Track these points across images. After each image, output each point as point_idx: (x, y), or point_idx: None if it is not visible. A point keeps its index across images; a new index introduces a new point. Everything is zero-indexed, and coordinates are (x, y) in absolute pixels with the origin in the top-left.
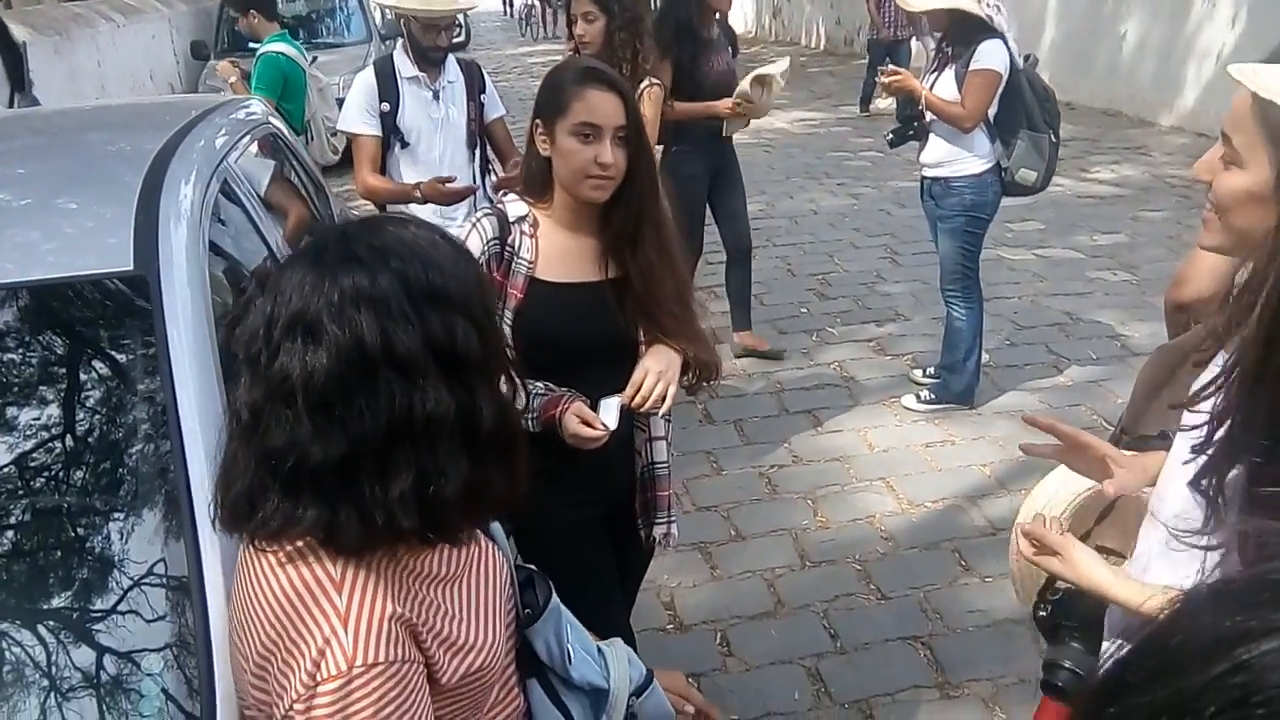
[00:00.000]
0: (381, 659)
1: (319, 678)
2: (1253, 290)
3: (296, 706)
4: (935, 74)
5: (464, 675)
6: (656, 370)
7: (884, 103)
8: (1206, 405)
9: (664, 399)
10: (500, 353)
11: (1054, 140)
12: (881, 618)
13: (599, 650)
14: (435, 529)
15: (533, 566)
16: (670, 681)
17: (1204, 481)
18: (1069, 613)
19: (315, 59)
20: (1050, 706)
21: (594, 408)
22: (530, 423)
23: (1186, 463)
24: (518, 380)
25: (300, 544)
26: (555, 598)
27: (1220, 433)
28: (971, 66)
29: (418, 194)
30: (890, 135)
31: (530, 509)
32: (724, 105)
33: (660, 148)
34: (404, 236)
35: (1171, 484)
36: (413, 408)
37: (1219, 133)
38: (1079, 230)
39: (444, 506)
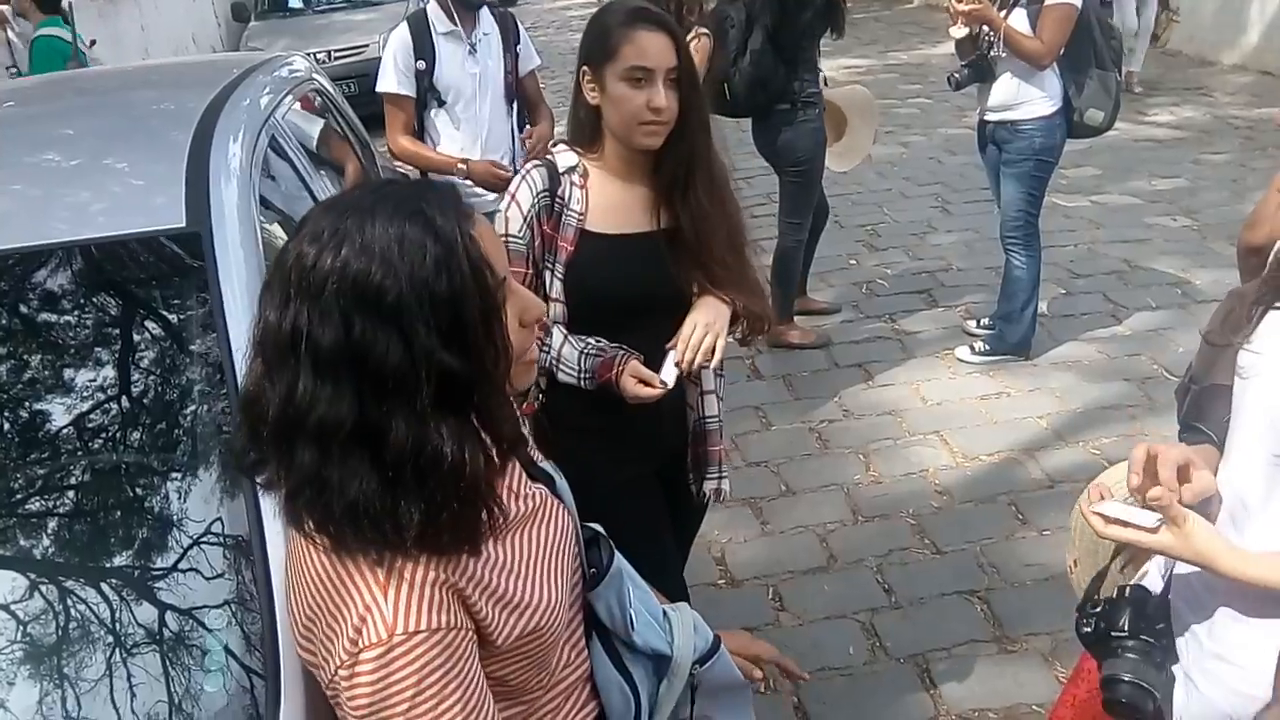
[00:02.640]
0: (424, 626)
1: (361, 644)
2: None
3: (341, 673)
4: (1006, 11)
5: (521, 634)
6: (705, 323)
7: (958, 32)
8: None
9: (713, 352)
10: (461, 382)
11: (1119, 79)
12: (937, 572)
13: (664, 614)
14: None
15: (596, 526)
16: (736, 643)
17: None
18: (1114, 622)
19: (94, 42)
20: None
21: (650, 364)
22: (584, 382)
23: None
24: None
25: None
26: (619, 560)
27: None
28: (1048, 0)
29: (462, 168)
30: (958, 75)
31: (585, 467)
32: None
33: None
34: (388, 230)
35: (1250, 424)
36: (313, 406)
37: None
38: (1137, 175)
39: (335, 520)
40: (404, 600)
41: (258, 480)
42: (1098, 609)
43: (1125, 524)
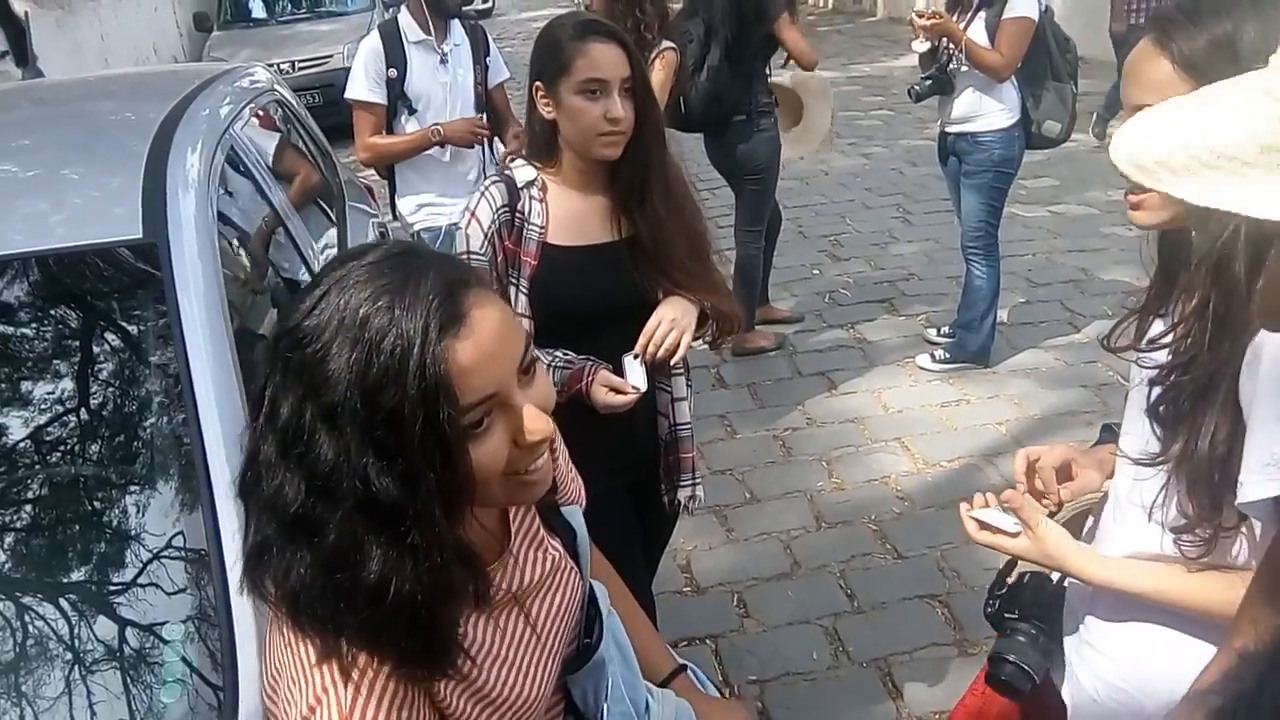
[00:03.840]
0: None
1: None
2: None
3: None
4: (966, 25)
5: None
6: (670, 318)
7: (920, 46)
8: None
9: (677, 347)
10: (386, 508)
11: (1075, 91)
12: (898, 577)
13: (646, 706)
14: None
15: (597, 589)
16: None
17: (1161, 409)
18: (1011, 605)
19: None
20: (990, 696)
21: (616, 370)
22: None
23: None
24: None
25: None
26: (605, 645)
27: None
28: (1006, 14)
29: (438, 132)
30: (918, 87)
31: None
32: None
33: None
34: (357, 310)
35: (1132, 421)
36: (270, 476)
37: (1132, 108)
38: (1094, 185)
39: (278, 601)
40: (365, 689)
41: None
42: (1002, 591)
43: (992, 529)
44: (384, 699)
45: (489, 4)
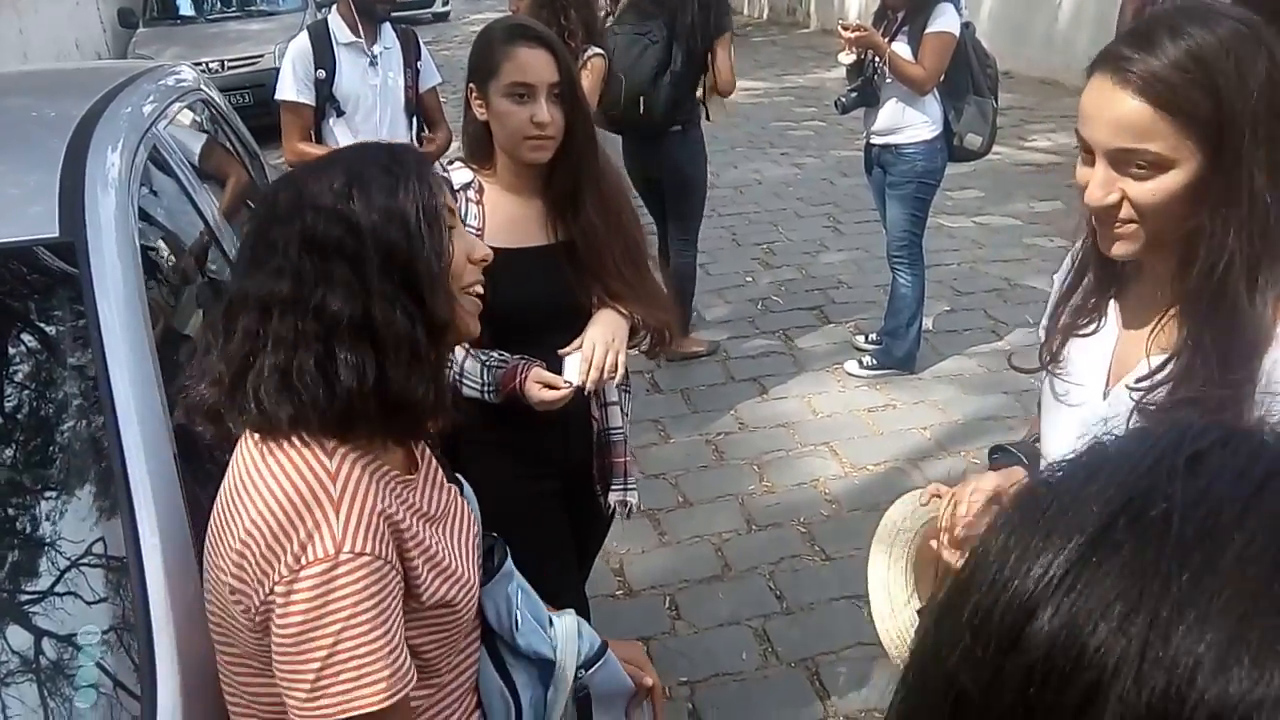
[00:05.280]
0: (369, 550)
1: (304, 560)
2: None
3: (278, 589)
4: (890, 38)
5: (440, 600)
6: (604, 341)
7: (846, 58)
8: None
9: (616, 368)
10: (403, 257)
11: (996, 105)
12: (826, 578)
13: (550, 620)
14: (352, 424)
15: (494, 534)
16: (629, 652)
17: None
18: None
19: None
20: None
21: (552, 368)
22: (489, 395)
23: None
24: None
25: (296, 438)
26: (509, 563)
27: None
28: (929, 29)
29: None
30: (843, 99)
31: (491, 481)
32: None
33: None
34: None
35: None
36: (260, 284)
37: (1109, 151)
38: (1017, 198)
39: (270, 393)
40: (354, 522)
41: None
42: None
43: None
44: (371, 532)
45: (447, 7)
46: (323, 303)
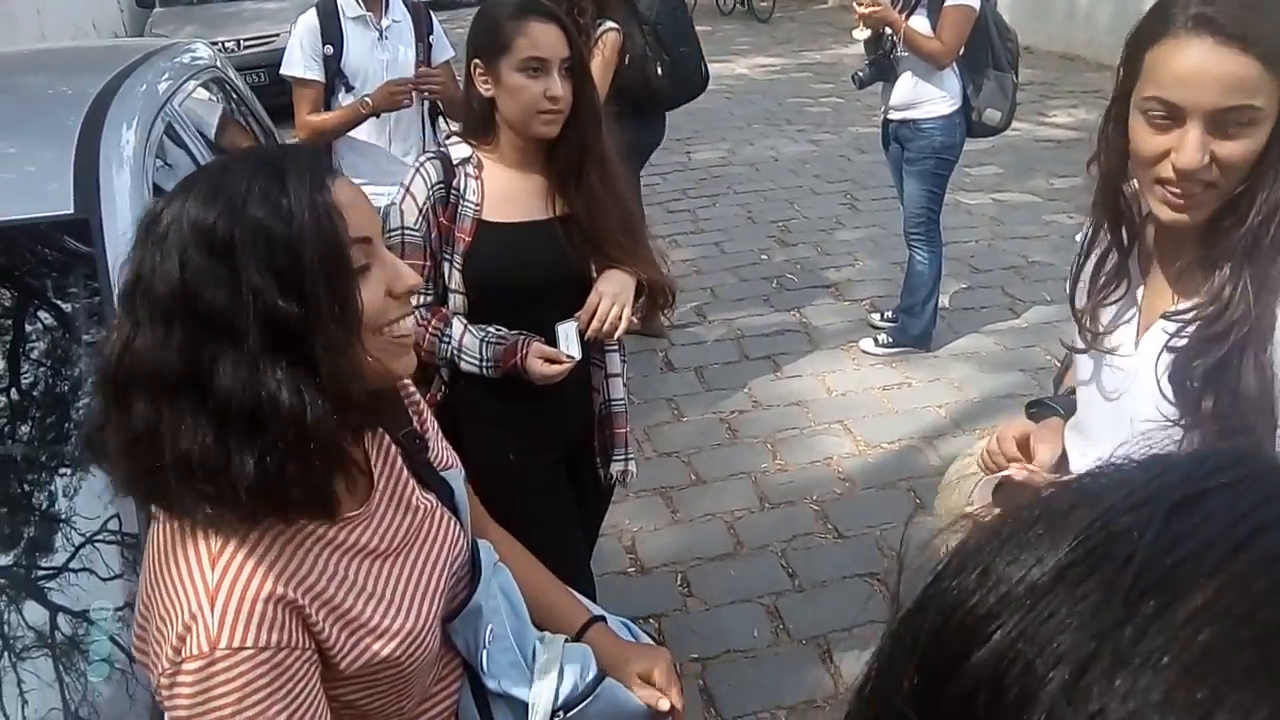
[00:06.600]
0: (249, 643)
1: (183, 653)
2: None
3: (164, 680)
4: (907, 13)
5: (370, 662)
6: (611, 293)
7: (861, 34)
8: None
9: (620, 320)
10: (294, 328)
11: (1015, 80)
12: (838, 556)
13: (534, 653)
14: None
15: (483, 544)
16: (649, 668)
17: (1194, 371)
18: None
19: None
20: None
21: (550, 342)
22: (488, 370)
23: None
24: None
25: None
26: (476, 597)
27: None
28: (948, 2)
29: (367, 105)
30: (861, 73)
31: (492, 456)
32: None
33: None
34: (238, 179)
35: (1142, 387)
36: (147, 352)
37: (1211, 112)
38: (1036, 174)
39: (167, 478)
40: (231, 613)
41: (101, 458)
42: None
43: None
44: (252, 622)
45: None
46: (212, 385)
